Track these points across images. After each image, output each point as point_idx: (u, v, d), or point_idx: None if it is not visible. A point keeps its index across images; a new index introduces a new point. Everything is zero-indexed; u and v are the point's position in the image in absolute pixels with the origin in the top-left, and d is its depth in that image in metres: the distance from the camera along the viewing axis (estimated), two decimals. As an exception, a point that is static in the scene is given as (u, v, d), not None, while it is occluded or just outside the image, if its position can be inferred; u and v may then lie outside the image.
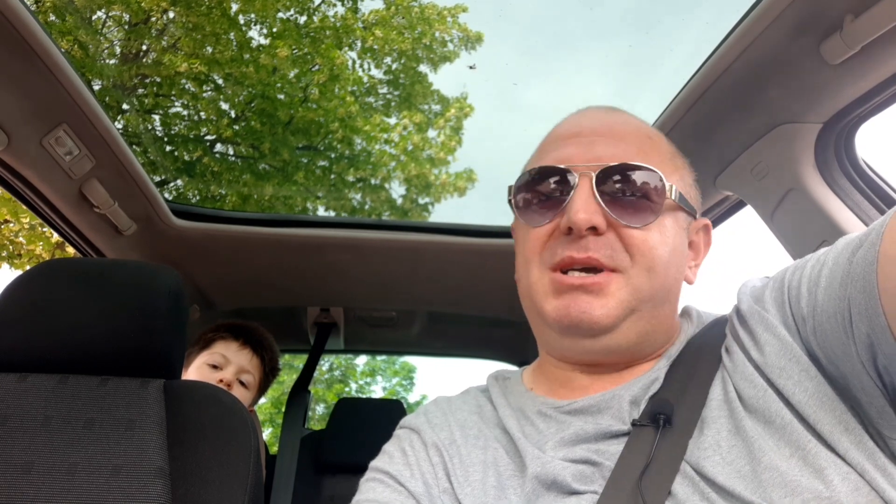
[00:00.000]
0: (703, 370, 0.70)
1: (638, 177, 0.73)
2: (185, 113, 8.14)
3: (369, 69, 8.23)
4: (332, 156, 8.10)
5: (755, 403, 0.63)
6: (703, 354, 0.73)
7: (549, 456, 0.69)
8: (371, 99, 8.39)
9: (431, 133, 8.35)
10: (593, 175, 0.72)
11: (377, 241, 1.93)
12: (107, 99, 6.90)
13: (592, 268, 0.71)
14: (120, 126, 7.14)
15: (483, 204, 8.66)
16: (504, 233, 1.93)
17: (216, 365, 1.70)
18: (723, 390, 0.67)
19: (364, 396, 12.73)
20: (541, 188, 0.76)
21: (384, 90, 8.52)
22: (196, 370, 1.70)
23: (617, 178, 0.72)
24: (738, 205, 1.53)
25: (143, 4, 7.04)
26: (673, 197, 0.74)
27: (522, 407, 0.78)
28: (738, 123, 1.29)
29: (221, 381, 1.66)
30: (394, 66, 8.36)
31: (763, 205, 1.35)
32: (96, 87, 6.82)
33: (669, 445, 0.65)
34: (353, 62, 8.03)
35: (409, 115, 8.26)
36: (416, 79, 8.37)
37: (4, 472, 0.89)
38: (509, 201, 0.82)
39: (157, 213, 1.76)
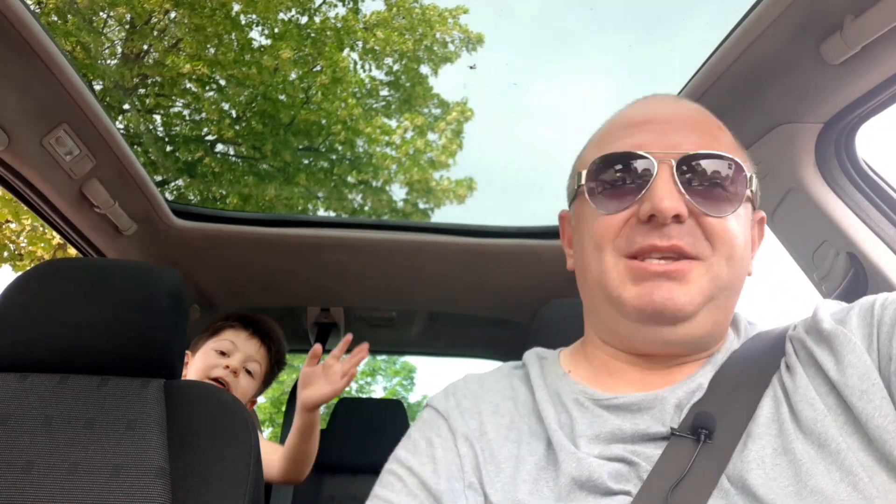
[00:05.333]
0: (751, 384, 0.69)
1: (718, 165, 0.71)
2: (186, 113, 8.14)
3: (370, 70, 8.24)
4: (334, 157, 8.10)
5: (812, 426, 0.62)
6: (752, 367, 0.71)
7: (583, 453, 0.67)
8: (372, 100, 8.39)
9: (432, 136, 8.36)
10: (673, 162, 0.70)
11: (377, 241, 1.93)
12: (108, 99, 6.91)
13: (672, 255, 0.69)
14: (121, 126, 7.15)
15: (483, 204, 8.66)
16: (504, 233, 1.93)
17: (224, 351, 1.69)
18: (774, 408, 0.66)
19: (364, 396, 12.73)
20: (615, 174, 0.73)
21: (385, 91, 8.53)
22: (203, 355, 1.68)
23: (697, 165, 0.70)
24: (739, 205, 1.53)
25: (145, 6, 7.05)
26: (752, 187, 0.73)
27: (559, 391, 0.76)
28: (739, 123, 1.27)
29: (228, 367, 1.64)
30: (395, 67, 8.37)
31: (763, 205, 1.35)
32: (98, 88, 6.82)
33: (708, 460, 0.63)
34: (355, 63, 8.04)
35: (410, 117, 8.27)
36: (417, 80, 8.37)
37: (5, 472, 0.89)
38: (570, 186, 0.79)
39: (157, 213, 1.76)
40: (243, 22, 7.51)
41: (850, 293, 1.17)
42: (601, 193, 0.74)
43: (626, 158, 0.72)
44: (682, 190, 0.69)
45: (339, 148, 8.11)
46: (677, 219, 0.68)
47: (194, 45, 7.26)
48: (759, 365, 0.71)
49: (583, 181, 0.76)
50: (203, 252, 1.97)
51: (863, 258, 1.15)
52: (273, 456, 1.59)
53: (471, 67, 8.56)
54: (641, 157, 0.71)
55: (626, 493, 0.64)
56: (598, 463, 0.66)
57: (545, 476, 0.68)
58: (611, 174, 0.73)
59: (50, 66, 1.18)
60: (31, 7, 1.10)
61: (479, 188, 8.46)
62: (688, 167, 0.70)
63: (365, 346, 1.57)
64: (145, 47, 7.59)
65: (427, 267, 2.05)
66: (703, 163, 0.70)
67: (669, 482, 0.62)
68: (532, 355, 0.85)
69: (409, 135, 8.30)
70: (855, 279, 1.16)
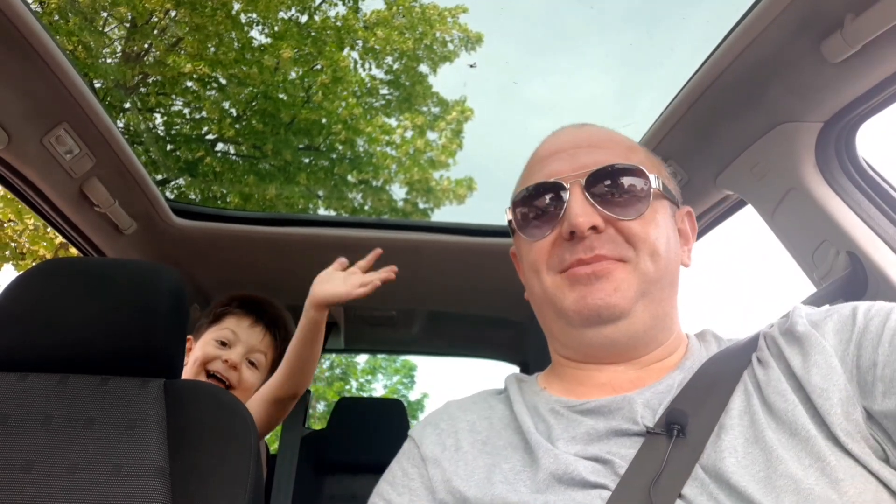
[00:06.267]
0: (723, 382, 0.72)
1: (623, 174, 0.79)
2: (187, 112, 8.14)
3: (370, 69, 8.23)
4: (334, 157, 8.10)
5: (783, 416, 0.66)
6: (723, 368, 0.75)
7: (560, 450, 0.71)
8: (372, 99, 8.39)
9: (432, 136, 8.36)
10: (582, 181, 0.78)
11: (378, 241, 1.93)
12: (108, 98, 6.91)
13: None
14: (121, 125, 7.15)
15: (483, 204, 8.66)
16: (504, 232, 1.93)
17: (225, 342, 1.57)
18: (745, 401, 0.69)
19: (365, 395, 12.75)
20: (536, 204, 0.82)
21: (385, 90, 8.53)
22: (202, 345, 1.57)
23: (604, 179, 0.79)
24: (739, 204, 1.53)
25: (146, 5, 7.05)
26: (657, 186, 0.80)
27: (536, 404, 0.81)
28: (739, 122, 1.28)
29: (227, 361, 1.52)
30: (395, 66, 8.37)
31: (763, 204, 1.35)
32: (98, 87, 6.82)
33: (682, 454, 0.66)
34: (355, 62, 8.04)
35: (410, 116, 8.26)
36: (417, 79, 8.37)
37: (5, 472, 0.89)
38: (509, 222, 0.87)
39: (157, 212, 1.76)
40: (244, 21, 7.51)
41: (850, 292, 1.17)
42: (528, 224, 0.83)
43: (542, 188, 0.81)
44: (595, 203, 0.77)
45: (340, 147, 8.11)
46: (595, 230, 0.77)
47: (195, 44, 7.26)
48: (731, 364, 0.75)
49: (510, 217, 0.86)
50: (203, 251, 1.97)
51: (863, 257, 1.15)
52: (264, 392, 1.45)
53: (471, 66, 8.56)
54: (554, 183, 0.80)
55: (604, 486, 0.67)
56: (575, 459, 0.69)
57: (522, 477, 0.72)
58: (531, 205, 0.82)
59: (50, 65, 1.18)
60: (32, 7, 1.11)
61: (479, 188, 8.47)
62: (595, 182, 0.78)
63: (392, 267, 1.48)
64: (146, 46, 7.59)
65: (427, 266, 2.05)
66: (608, 175, 0.79)
67: (645, 477, 0.65)
68: (511, 378, 0.91)
69: (409, 134, 8.30)
70: (854, 278, 1.16)
